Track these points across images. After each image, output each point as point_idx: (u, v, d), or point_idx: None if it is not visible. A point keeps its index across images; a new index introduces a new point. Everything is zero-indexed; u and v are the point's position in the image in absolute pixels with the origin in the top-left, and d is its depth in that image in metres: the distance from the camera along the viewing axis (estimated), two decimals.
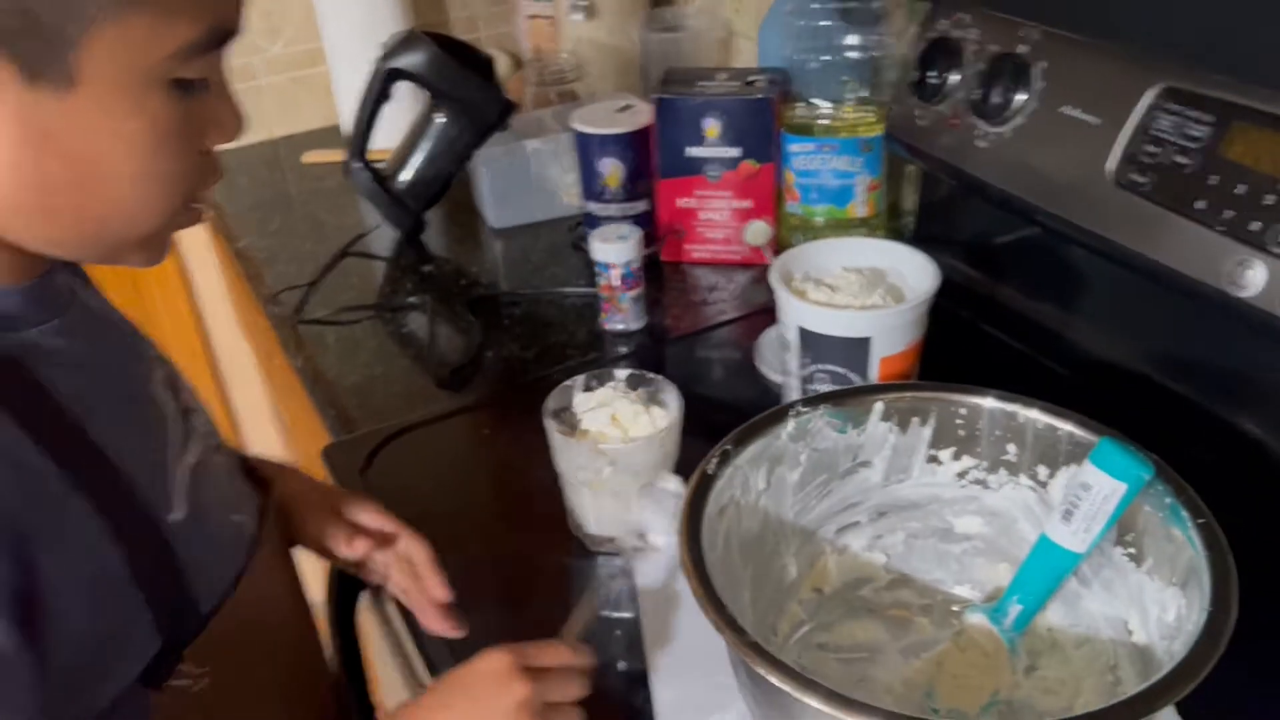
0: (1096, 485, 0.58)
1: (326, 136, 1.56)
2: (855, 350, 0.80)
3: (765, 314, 1.12)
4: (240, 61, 1.50)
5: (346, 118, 1.50)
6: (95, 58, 0.46)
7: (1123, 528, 0.61)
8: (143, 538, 0.55)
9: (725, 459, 0.63)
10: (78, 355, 0.56)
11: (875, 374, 0.80)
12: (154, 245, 0.55)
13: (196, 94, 0.51)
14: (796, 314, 0.81)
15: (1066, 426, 0.64)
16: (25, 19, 0.44)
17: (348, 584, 0.86)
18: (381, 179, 1.25)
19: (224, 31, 0.50)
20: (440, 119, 1.22)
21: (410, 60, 1.18)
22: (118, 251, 0.54)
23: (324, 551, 0.76)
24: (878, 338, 0.79)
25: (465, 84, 1.19)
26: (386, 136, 1.26)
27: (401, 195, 1.25)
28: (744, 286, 1.15)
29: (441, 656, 0.73)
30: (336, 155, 1.45)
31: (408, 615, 0.76)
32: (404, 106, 1.27)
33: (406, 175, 1.24)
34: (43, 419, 0.51)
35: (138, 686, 0.56)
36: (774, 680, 0.50)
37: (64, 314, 0.56)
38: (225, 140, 0.54)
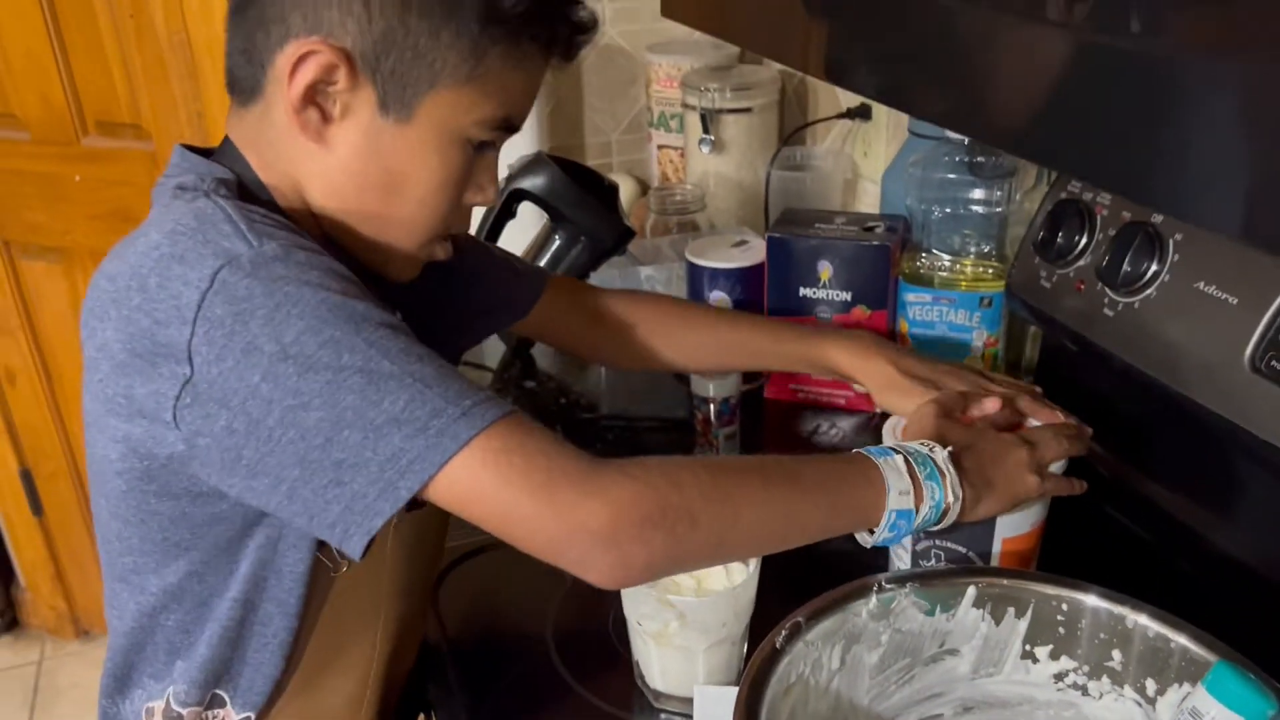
0: (1209, 715, 0.52)
1: None
2: (979, 527, 0.74)
3: None
4: None
5: (476, 230, 1.54)
6: (430, 108, 0.65)
7: None
8: None
9: (796, 633, 0.59)
10: None
11: (998, 555, 0.75)
12: (408, 263, 0.72)
13: (478, 156, 0.69)
14: None
15: (1180, 639, 0.58)
16: (395, 75, 0.64)
17: (409, 705, 0.84)
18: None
19: (513, 120, 0.69)
20: (558, 240, 1.24)
21: (534, 182, 1.20)
22: (382, 255, 0.71)
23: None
24: (1005, 515, 0.73)
25: (585, 209, 1.21)
26: (509, 250, 1.29)
27: None
28: (848, 433, 1.11)
29: None
30: None
31: None
32: (527, 224, 1.29)
33: None
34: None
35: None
36: None
37: None
38: (480, 200, 0.72)
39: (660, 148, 1.61)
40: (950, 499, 0.67)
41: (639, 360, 0.99)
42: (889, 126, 1.31)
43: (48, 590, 2.20)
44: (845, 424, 1.12)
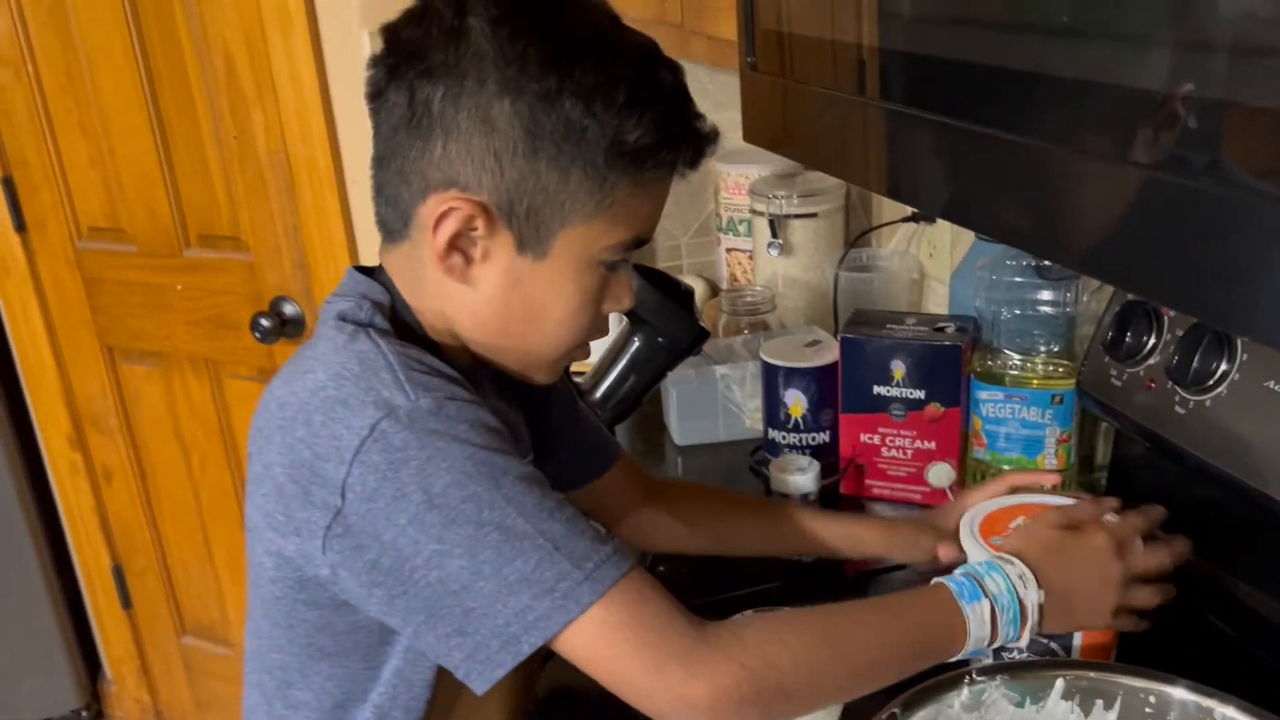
0: None
1: None
2: None
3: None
4: None
5: None
6: (564, 243, 0.70)
7: None
8: None
9: None
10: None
11: (1078, 647, 0.77)
12: (552, 369, 0.78)
13: (611, 273, 0.73)
14: None
15: None
16: (530, 217, 0.69)
17: None
18: (579, 391, 1.32)
19: (642, 239, 0.73)
20: (638, 341, 1.29)
21: None
22: (527, 367, 0.77)
23: None
24: None
25: (664, 313, 1.27)
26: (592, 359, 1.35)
27: (595, 408, 1.32)
28: None
29: None
30: None
31: None
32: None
33: (602, 390, 1.31)
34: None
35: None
36: None
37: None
38: (617, 308, 0.76)
39: (729, 250, 1.67)
40: (1024, 640, 0.71)
41: (684, 544, 1.04)
42: (954, 228, 1.36)
43: (133, 683, 2.26)
44: None
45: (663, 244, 1.78)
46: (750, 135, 0.88)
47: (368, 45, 1.54)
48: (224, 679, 2.16)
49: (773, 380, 1.20)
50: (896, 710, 0.62)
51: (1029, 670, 0.66)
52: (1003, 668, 0.66)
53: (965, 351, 1.10)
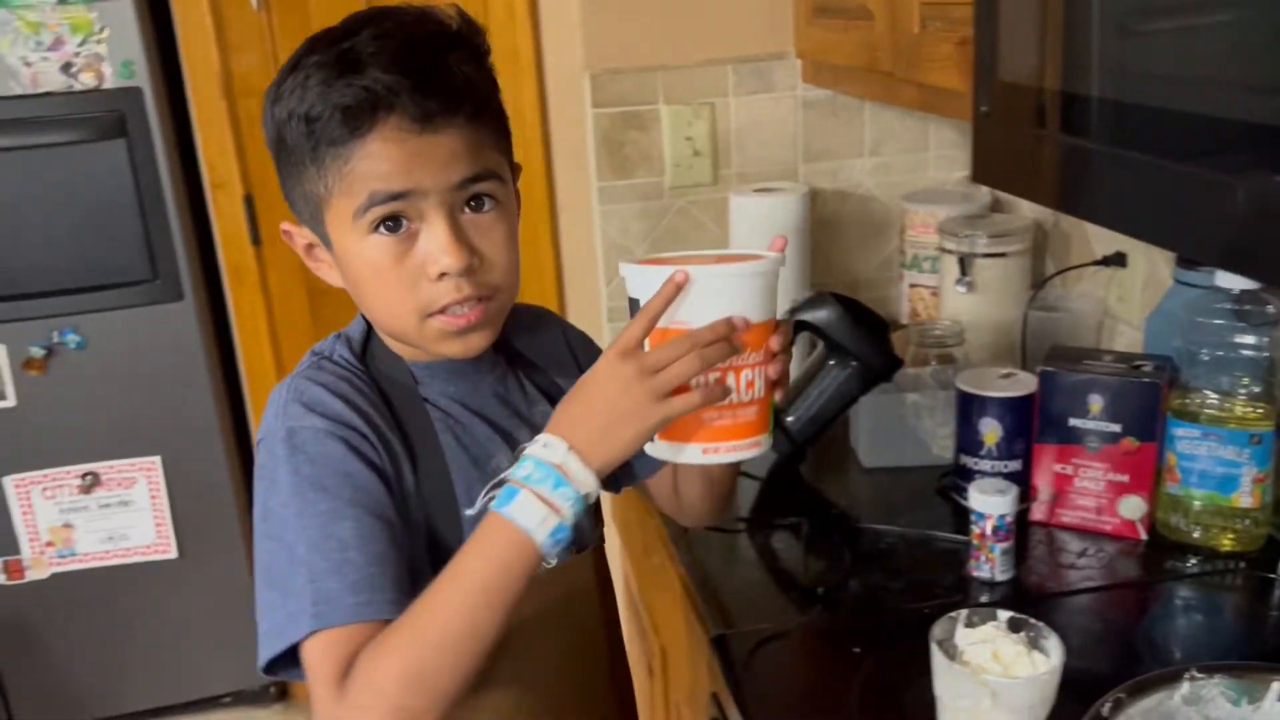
0: None
1: None
2: None
3: (1135, 588, 1.14)
4: None
5: None
6: (331, 228, 0.81)
7: None
8: (443, 514, 0.84)
9: (1119, 706, 0.69)
10: (454, 408, 0.88)
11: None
12: (436, 339, 0.82)
13: (402, 235, 0.79)
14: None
15: None
16: (310, 219, 0.83)
17: None
18: (775, 411, 1.41)
19: (381, 194, 0.77)
20: (834, 366, 1.38)
21: (817, 315, 1.36)
22: (412, 340, 0.84)
23: None
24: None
25: (860, 341, 1.35)
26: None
27: (789, 427, 1.41)
28: (1112, 557, 1.18)
29: None
30: None
31: None
32: (799, 349, 1.45)
33: (797, 411, 1.40)
34: (412, 425, 0.85)
35: None
36: None
37: (457, 385, 0.88)
38: (440, 269, 0.79)
39: (912, 286, 1.74)
40: (588, 489, 0.72)
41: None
42: (1145, 273, 1.41)
43: None
44: (1110, 548, 1.19)
45: (844, 278, 1.87)
46: (979, 176, 0.96)
47: (589, 88, 1.68)
48: None
49: (968, 408, 1.27)
50: (1123, 695, 0.69)
51: (1248, 672, 0.72)
52: (1222, 668, 0.72)
53: (1163, 388, 1.15)
